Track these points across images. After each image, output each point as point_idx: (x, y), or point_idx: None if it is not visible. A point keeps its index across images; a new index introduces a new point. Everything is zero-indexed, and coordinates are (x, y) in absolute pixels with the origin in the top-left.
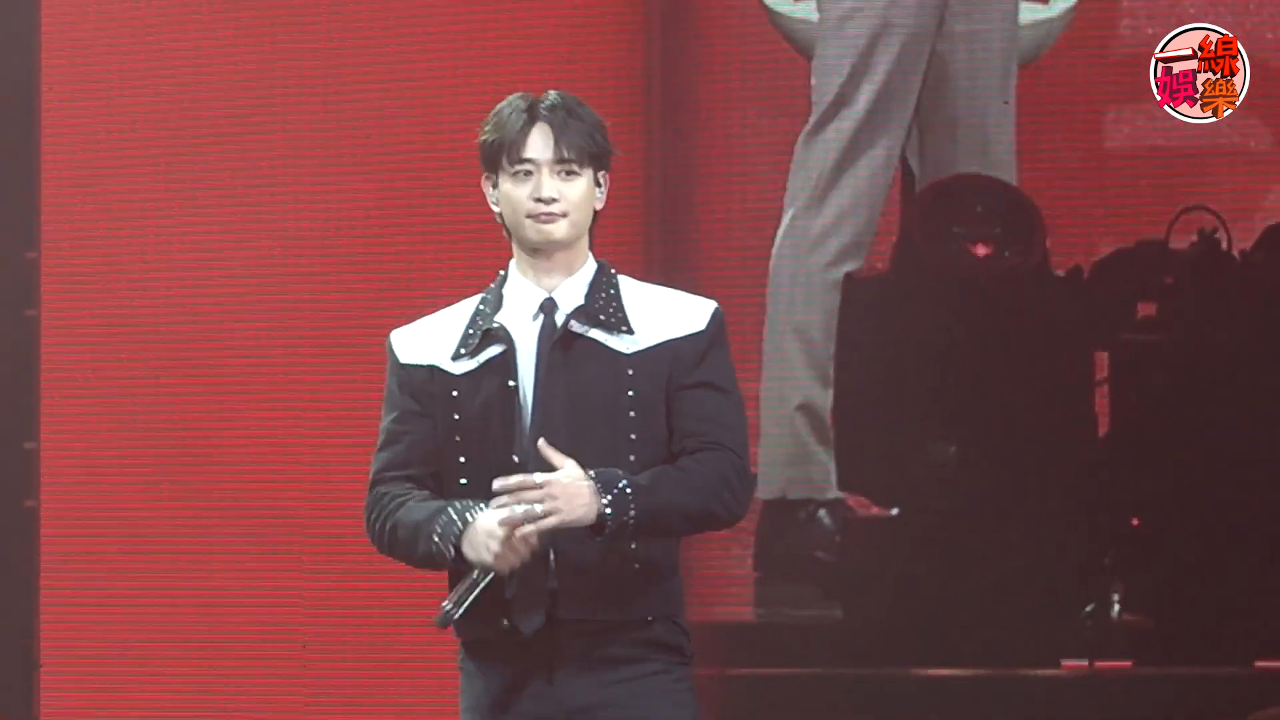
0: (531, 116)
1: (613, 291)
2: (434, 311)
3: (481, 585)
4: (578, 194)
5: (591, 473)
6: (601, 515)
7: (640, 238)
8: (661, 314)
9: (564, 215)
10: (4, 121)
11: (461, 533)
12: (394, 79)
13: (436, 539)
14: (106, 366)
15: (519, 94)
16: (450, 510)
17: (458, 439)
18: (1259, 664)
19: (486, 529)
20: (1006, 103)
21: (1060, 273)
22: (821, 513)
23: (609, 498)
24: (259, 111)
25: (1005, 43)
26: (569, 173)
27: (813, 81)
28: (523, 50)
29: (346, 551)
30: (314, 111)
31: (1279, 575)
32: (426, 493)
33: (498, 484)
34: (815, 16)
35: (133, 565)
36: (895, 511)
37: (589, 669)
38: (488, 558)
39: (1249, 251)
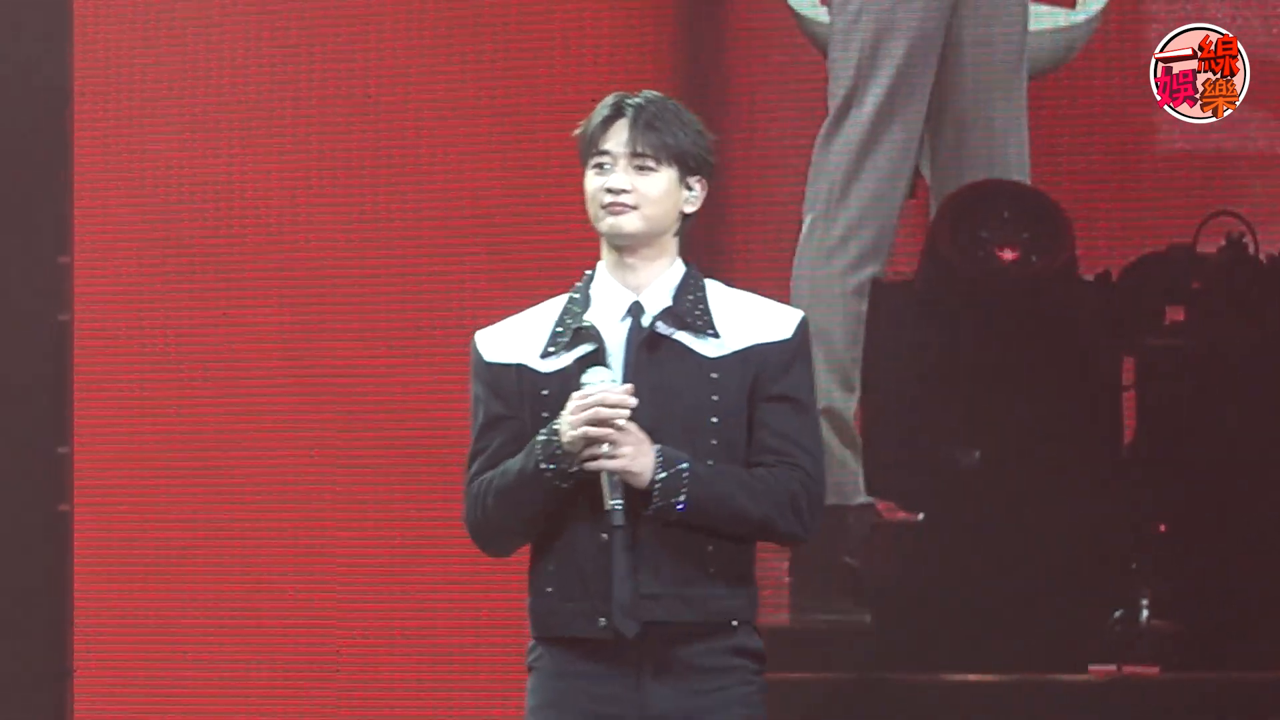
0: (616, 111)
1: (700, 294)
2: (516, 313)
3: (607, 476)
4: (655, 190)
5: (660, 447)
6: (651, 485)
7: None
8: (748, 319)
9: (634, 208)
10: (37, 126)
11: (557, 440)
12: (428, 82)
13: (541, 463)
14: (140, 371)
15: (615, 92)
16: (535, 440)
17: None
18: None
19: (567, 415)
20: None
21: (1087, 278)
22: (850, 518)
23: (665, 474)
24: (294, 115)
25: (1015, 48)
26: (644, 167)
27: (828, 86)
28: (548, 54)
29: (380, 557)
30: (350, 115)
31: None
32: None
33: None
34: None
35: (166, 570)
36: (922, 516)
37: (676, 676)
38: (577, 433)
39: (1277, 256)
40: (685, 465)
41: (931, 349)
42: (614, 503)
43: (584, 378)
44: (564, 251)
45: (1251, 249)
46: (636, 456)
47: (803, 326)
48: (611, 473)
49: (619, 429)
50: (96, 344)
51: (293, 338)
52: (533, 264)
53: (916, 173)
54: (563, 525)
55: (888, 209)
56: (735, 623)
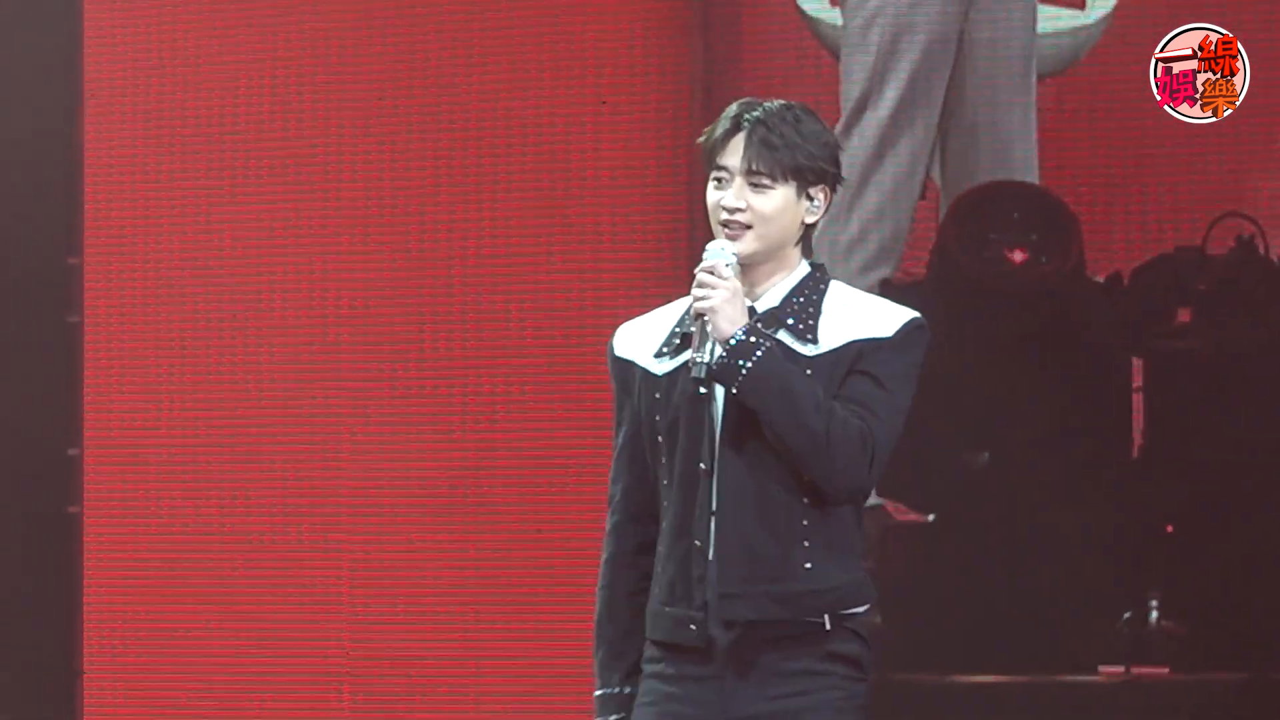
0: (736, 124)
1: (813, 296)
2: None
3: (700, 329)
4: (769, 207)
5: (749, 323)
6: (729, 340)
7: (684, 242)
8: (856, 318)
9: (748, 227)
10: (47, 128)
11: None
12: (444, 82)
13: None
14: (149, 374)
15: (742, 99)
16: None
17: (660, 439)
18: None
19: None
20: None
21: (1097, 279)
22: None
23: (743, 335)
24: (305, 114)
25: (1024, 50)
26: (759, 185)
27: (841, 87)
28: (569, 59)
29: (390, 559)
30: (361, 118)
31: None
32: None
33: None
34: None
35: (175, 572)
36: (932, 518)
37: (763, 679)
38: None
39: None
40: (767, 341)
41: (940, 350)
42: (697, 355)
43: (709, 247)
44: (582, 252)
45: (1261, 250)
46: (727, 302)
47: (908, 326)
48: (705, 323)
49: (723, 278)
50: (106, 346)
51: (302, 340)
52: (542, 267)
53: (926, 174)
54: (669, 528)
55: (903, 209)
56: (829, 626)
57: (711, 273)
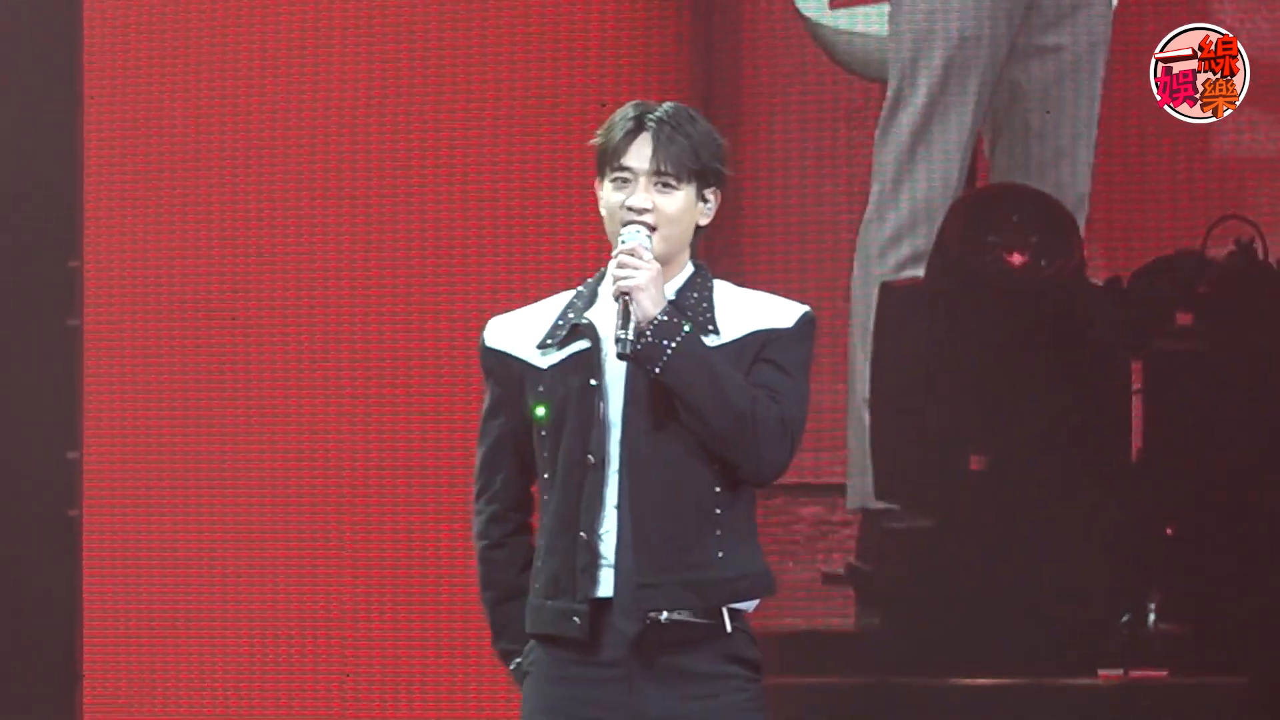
0: (638, 126)
1: (704, 292)
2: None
3: (622, 308)
4: (674, 208)
5: (669, 305)
6: (652, 320)
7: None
8: (752, 312)
9: (653, 228)
10: (47, 130)
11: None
12: (439, 88)
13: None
14: (149, 377)
15: (635, 102)
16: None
17: (543, 433)
18: None
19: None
20: (1048, 112)
21: (1097, 282)
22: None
23: (665, 316)
24: (304, 116)
25: (1091, 58)
26: (666, 185)
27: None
28: (566, 63)
29: (390, 561)
30: (360, 119)
31: None
32: (518, 555)
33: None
34: (849, 25)
35: (175, 575)
36: (931, 521)
37: (672, 680)
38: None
39: None
40: (688, 324)
41: (940, 353)
42: (620, 332)
43: (623, 233)
44: (580, 256)
45: (1261, 253)
46: (652, 282)
47: (805, 319)
48: (628, 302)
49: (643, 260)
50: (106, 349)
51: (302, 343)
52: (546, 270)
53: (964, 174)
54: (554, 522)
55: (937, 210)
56: (730, 628)
57: (632, 254)
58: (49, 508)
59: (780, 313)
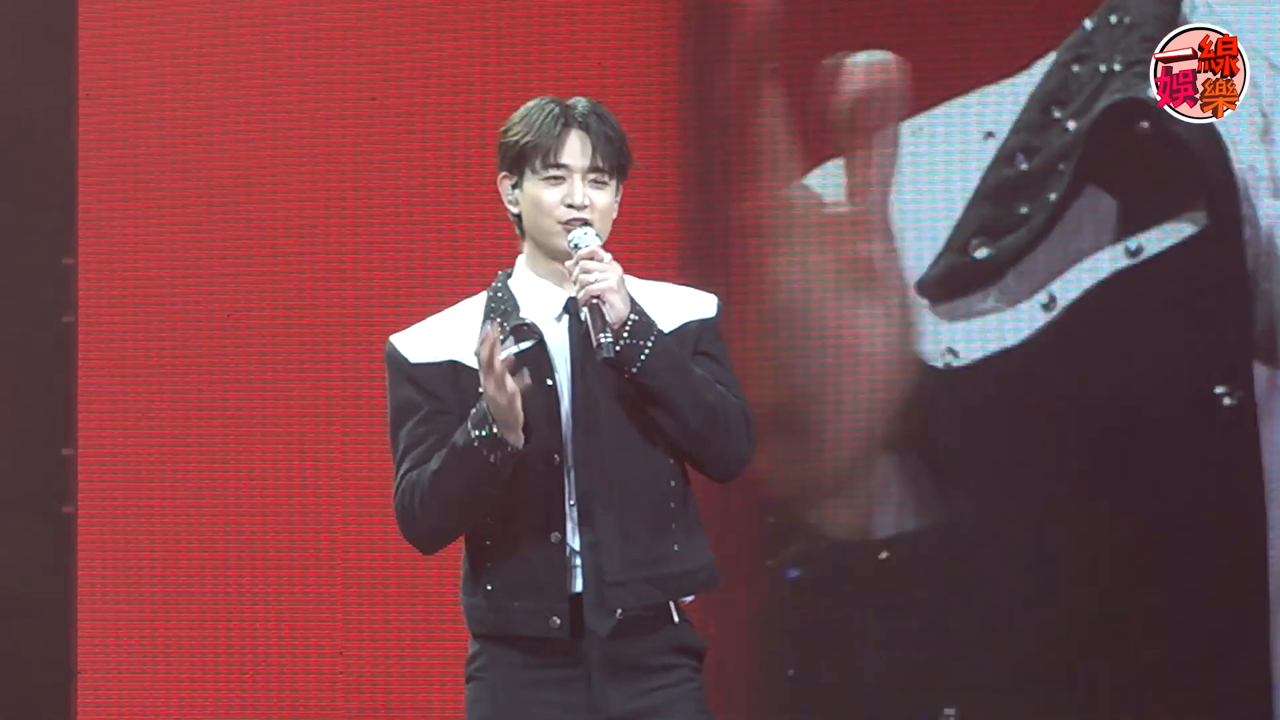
0: (567, 121)
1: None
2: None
3: (593, 313)
4: (605, 203)
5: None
6: (625, 321)
7: (674, 247)
8: (674, 303)
9: (587, 224)
10: (42, 128)
11: (486, 409)
12: (428, 86)
13: (473, 430)
14: (144, 373)
15: (547, 97)
16: (470, 415)
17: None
18: None
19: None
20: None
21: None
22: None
23: (638, 318)
24: (300, 115)
25: None
26: (599, 182)
27: None
28: (554, 61)
29: (384, 558)
30: (357, 115)
31: None
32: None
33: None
34: None
35: (170, 572)
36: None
37: (625, 676)
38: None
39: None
40: (658, 327)
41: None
42: (601, 336)
43: (574, 238)
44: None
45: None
46: (620, 284)
47: (721, 307)
48: (598, 305)
49: (606, 262)
50: (101, 346)
51: (297, 340)
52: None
53: None
54: (508, 521)
55: None
56: (677, 619)
57: (592, 257)
58: (44, 504)
59: (700, 302)
